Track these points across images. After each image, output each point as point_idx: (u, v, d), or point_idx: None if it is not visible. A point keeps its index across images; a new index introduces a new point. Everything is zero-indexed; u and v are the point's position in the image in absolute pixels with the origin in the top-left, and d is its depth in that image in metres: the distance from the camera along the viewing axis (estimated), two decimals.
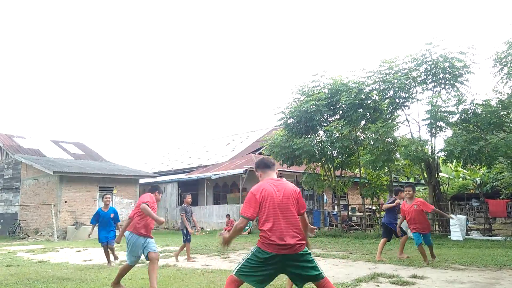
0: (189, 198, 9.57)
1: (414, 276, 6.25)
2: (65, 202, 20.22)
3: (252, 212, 3.69)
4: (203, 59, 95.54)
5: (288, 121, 16.98)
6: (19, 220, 21.90)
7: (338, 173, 18.15)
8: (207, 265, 8.19)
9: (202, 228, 21.13)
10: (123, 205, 22.30)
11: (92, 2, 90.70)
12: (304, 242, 3.65)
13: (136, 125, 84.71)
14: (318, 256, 9.44)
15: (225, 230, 16.95)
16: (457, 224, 12.87)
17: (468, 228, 13.87)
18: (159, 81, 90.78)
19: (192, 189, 24.40)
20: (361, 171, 17.48)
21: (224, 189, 23.83)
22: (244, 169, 19.94)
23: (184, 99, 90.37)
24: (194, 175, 23.85)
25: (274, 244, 3.51)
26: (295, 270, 3.57)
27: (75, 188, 20.65)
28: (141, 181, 24.44)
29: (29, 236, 20.07)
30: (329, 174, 17.51)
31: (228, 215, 19.08)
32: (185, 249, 9.34)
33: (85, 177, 20.86)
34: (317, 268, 3.60)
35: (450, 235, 13.11)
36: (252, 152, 26.65)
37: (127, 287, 5.84)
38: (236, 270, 3.62)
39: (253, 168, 20.14)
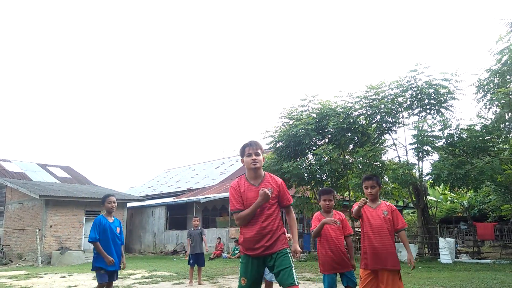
0: (196, 221, 9.57)
1: None
2: (51, 226, 19.81)
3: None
4: (192, 82, 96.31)
5: (277, 145, 17.09)
6: (3, 245, 21.30)
7: None
8: None
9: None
10: None
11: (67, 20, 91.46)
12: None
13: (125, 149, 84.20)
14: (309, 280, 9.36)
15: (214, 254, 16.55)
16: (446, 247, 12.93)
17: (457, 251, 13.93)
18: (148, 105, 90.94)
19: (180, 212, 24.16)
20: (350, 194, 17.54)
21: (214, 213, 23.63)
22: None
23: (173, 122, 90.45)
24: (183, 199, 23.64)
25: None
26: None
27: (61, 212, 20.28)
28: (129, 204, 24.14)
29: (12, 262, 19.49)
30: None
31: (219, 238, 18.89)
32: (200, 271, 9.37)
33: (71, 201, 20.53)
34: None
35: (439, 258, 13.13)
36: (242, 175, 26.62)
37: None
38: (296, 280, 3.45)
39: None
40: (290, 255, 3.53)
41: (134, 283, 9.57)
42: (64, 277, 11.78)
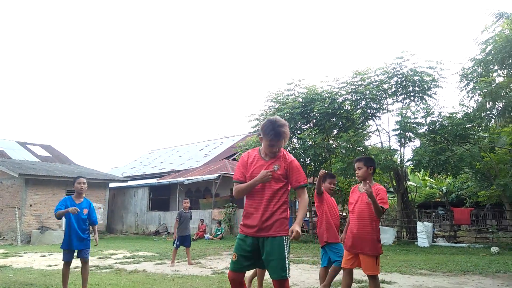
0: (187, 203, 9.51)
1: (382, 281, 6.38)
2: (30, 205, 19.53)
3: None
4: (178, 63, 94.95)
5: None
6: None
7: (310, 180, 18.37)
8: (177, 271, 8.08)
9: (173, 233, 20.83)
10: None
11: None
12: None
13: (107, 129, 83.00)
14: (290, 261, 9.50)
15: (196, 235, 16.64)
16: (424, 231, 13.27)
17: (434, 235, 14.32)
18: (131, 84, 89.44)
19: (164, 194, 24.08)
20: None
21: (197, 195, 23.63)
22: (218, 175, 19.85)
23: (157, 103, 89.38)
24: (166, 180, 23.53)
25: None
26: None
27: (41, 191, 19.99)
28: (111, 185, 23.92)
29: None
30: None
31: (202, 220, 18.97)
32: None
33: (52, 180, 20.23)
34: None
35: (417, 241, 13.48)
36: (226, 158, 26.56)
37: None
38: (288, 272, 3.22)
39: (226, 173, 20.14)
40: (287, 245, 3.24)
41: (116, 263, 9.56)
42: (44, 256, 11.68)
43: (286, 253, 3.19)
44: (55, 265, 9.16)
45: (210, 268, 8.53)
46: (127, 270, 8.27)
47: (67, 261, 5.48)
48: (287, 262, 3.18)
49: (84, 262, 5.55)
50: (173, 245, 9.42)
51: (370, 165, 4.27)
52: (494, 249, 11.45)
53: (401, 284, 6.25)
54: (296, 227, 3.11)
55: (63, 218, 5.51)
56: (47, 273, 7.88)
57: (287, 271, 3.15)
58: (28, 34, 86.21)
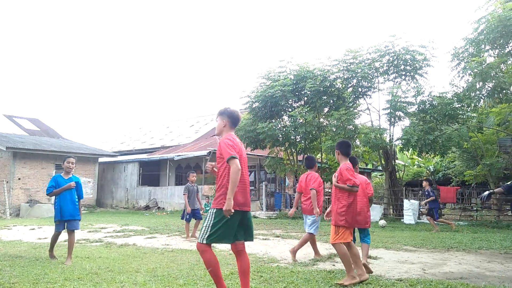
0: (193, 177, 9.47)
1: (369, 257, 6.53)
2: (19, 179, 19.39)
3: (235, 153, 3.66)
4: (169, 37, 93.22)
5: (254, 105, 17.02)
6: None
7: (300, 157, 18.50)
8: (167, 245, 8.17)
9: (164, 208, 20.97)
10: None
11: None
12: None
13: (96, 102, 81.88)
14: (278, 236, 9.64)
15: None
16: (410, 208, 13.53)
17: (420, 212, 14.62)
18: (123, 57, 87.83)
19: (154, 169, 24.07)
20: (323, 156, 17.89)
21: (187, 171, 23.54)
22: (208, 151, 19.86)
23: (147, 77, 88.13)
24: (156, 156, 23.49)
25: (239, 202, 3.66)
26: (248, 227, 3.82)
27: (30, 165, 19.82)
28: (101, 160, 23.80)
29: None
30: (291, 158, 17.80)
31: None
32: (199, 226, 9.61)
33: (40, 154, 20.04)
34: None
35: (403, 218, 13.77)
36: (216, 135, 26.53)
37: (84, 267, 5.72)
38: (201, 238, 3.65)
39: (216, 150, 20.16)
40: (212, 216, 3.68)
41: (106, 237, 9.61)
42: (33, 229, 11.68)
43: (206, 222, 3.65)
44: (45, 238, 9.18)
45: None
46: (117, 243, 8.33)
47: (58, 231, 6.07)
48: (204, 229, 3.65)
49: (72, 231, 6.03)
50: (182, 219, 9.56)
51: (337, 149, 5.02)
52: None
53: (386, 260, 6.41)
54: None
55: (50, 189, 6.01)
56: (36, 246, 7.90)
57: (202, 236, 3.63)
58: (15, 6, 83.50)
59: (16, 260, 6.17)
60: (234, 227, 3.66)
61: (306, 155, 6.62)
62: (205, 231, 3.61)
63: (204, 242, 3.60)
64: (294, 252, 6.38)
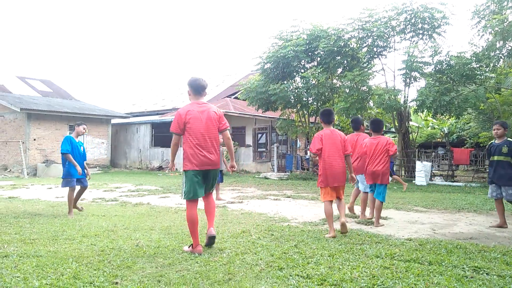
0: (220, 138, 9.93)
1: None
2: (34, 139, 19.77)
3: (176, 129, 4.29)
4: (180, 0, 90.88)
5: (265, 66, 16.74)
6: None
7: (312, 119, 18.37)
8: (180, 204, 8.35)
9: (176, 169, 21.27)
10: (94, 144, 22.07)
11: None
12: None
13: (107, 63, 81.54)
14: (289, 197, 9.77)
15: None
16: (422, 170, 13.49)
17: (432, 174, 14.57)
18: (132, 17, 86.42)
19: (165, 131, 24.20)
20: (335, 118, 17.74)
21: None
22: None
23: (158, 38, 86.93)
24: (168, 117, 23.55)
25: (202, 161, 4.25)
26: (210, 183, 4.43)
27: (44, 126, 20.12)
28: (113, 121, 24.02)
29: None
30: (303, 120, 17.69)
31: None
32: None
33: (54, 115, 20.26)
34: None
35: (415, 180, 13.77)
36: (227, 96, 26.39)
37: (101, 225, 5.90)
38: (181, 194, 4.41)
39: (228, 112, 20.10)
40: (183, 177, 4.35)
41: (121, 196, 9.86)
42: (50, 188, 12.02)
43: (182, 181, 4.36)
44: (62, 196, 9.45)
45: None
46: (132, 202, 8.54)
47: (72, 187, 6.73)
48: (181, 187, 4.38)
49: (84, 186, 6.93)
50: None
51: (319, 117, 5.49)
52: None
53: (396, 220, 6.46)
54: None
55: (68, 148, 6.65)
56: (54, 204, 8.15)
57: (181, 193, 4.44)
58: None
59: (35, 217, 6.39)
60: (199, 184, 4.26)
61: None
62: (182, 190, 4.33)
63: (184, 199, 4.30)
64: (351, 208, 6.86)
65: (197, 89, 4.41)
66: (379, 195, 5.91)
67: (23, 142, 19.33)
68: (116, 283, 3.17)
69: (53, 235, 4.94)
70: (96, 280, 3.20)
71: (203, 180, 4.31)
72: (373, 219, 6.03)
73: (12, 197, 9.62)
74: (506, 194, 5.83)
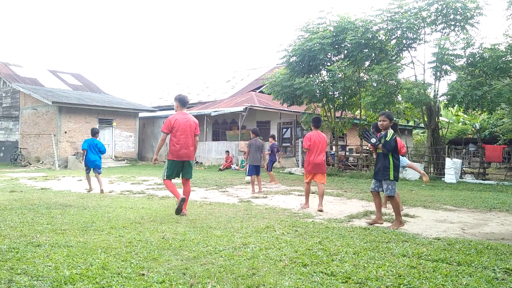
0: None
1: (406, 215, 6.46)
2: (65, 132, 20.39)
3: (166, 130, 6.10)
4: None
5: (291, 60, 16.60)
6: (20, 148, 22.22)
7: (338, 114, 18.12)
8: (205, 198, 8.44)
9: (201, 163, 21.51)
10: (123, 137, 22.54)
11: None
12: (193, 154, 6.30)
13: (135, 58, 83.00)
14: (313, 193, 9.68)
15: (223, 165, 17.30)
16: (452, 167, 13.10)
17: (462, 171, 14.14)
18: (161, 13, 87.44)
19: None
20: (362, 113, 17.44)
21: (224, 126, 23.92)
22: (244, 107, 19.86)
23: (185, 33, 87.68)
24: (193, 111, 23.75)
25: (180, 155, 6.10)
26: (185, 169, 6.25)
27: (74, 119, 20.71)
28: (141, 115, 24.46)
29: (30, 164, 20.46)
30: (329, 114, 17.47)
31: (227, 151, 19.35)
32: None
33: (84, 108, 20.81)
34: (192, 173, 6.41)
35: (444, 177, 13.40)
36: (252, 90, 26.38)
37: (128, 217, 6.03)
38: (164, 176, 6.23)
39: (253, 106, 20.12)
40: (165, 165, 6.26)
41: (148, 189, 10.05)
42: (81, 180, 12.38)
43: (165, 167, 6.29)
44: (92, 189, 9.72)
45: (237, 196, 8.85)
46: (159, 195, 8.70)
47: (88, 172, 9.73)
48: (163, 171, 6.27)
49: (98, 173, 9.58)
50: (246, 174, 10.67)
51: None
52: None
53: (424, 218, 6.31)
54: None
55: (85, 147, 9.51)
56: (84, 196, 8.40)
57: (163, 176, 6.29)
58: None
59: (66, 208, 6.59)
60: (177, 169, 6.18)
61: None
62: (164, 173, 6.19)
63: (164, 178, 6.21)
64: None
65: (183, 103, 6.24)
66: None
67: (54, 135, 19.97)
68: (143, 274, 3.23)
69: (83, 226, 5.08)
70: (123, 271, 3.28)
71: (180, 167, 6.19)
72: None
73: (44, 188, 9.97)
74: None
